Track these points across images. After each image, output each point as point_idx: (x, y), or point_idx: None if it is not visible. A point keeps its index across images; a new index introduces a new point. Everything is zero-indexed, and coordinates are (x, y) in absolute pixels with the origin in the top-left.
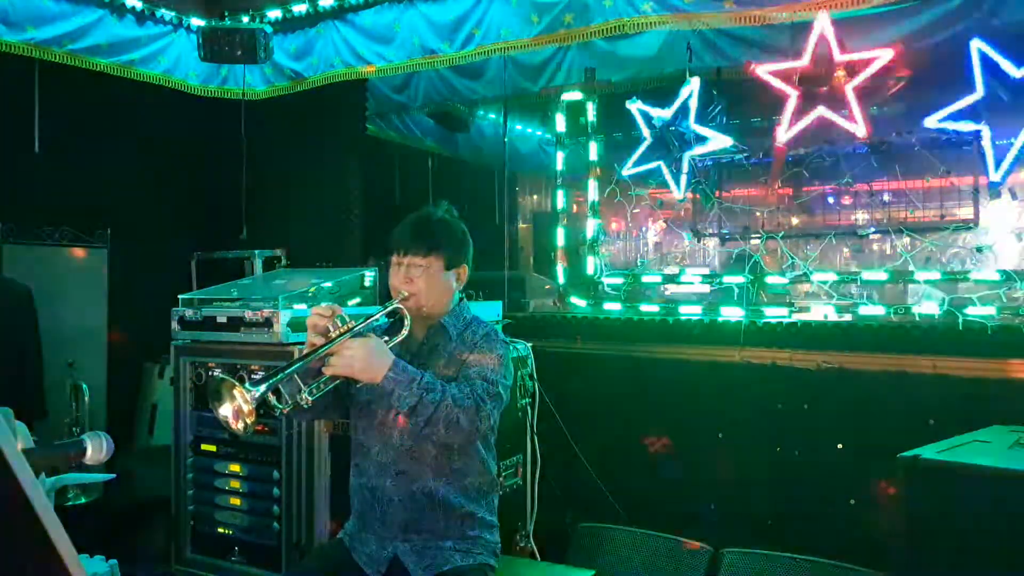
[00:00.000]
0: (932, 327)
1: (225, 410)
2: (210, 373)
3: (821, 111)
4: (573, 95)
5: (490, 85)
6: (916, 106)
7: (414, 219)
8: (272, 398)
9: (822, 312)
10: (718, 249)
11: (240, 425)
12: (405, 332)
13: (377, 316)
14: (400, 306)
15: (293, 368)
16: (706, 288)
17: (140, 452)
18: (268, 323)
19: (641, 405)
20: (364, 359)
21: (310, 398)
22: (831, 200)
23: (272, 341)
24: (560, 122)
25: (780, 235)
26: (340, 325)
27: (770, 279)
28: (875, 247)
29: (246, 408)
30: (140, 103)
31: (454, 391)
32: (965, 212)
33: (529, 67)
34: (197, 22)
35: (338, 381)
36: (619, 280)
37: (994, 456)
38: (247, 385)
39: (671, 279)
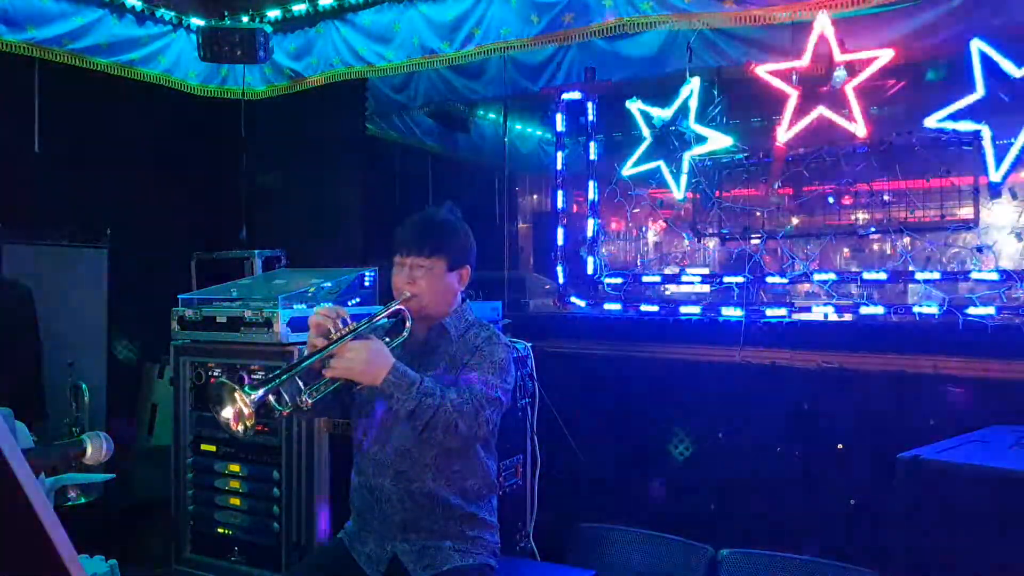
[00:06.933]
0: (932, 327)
1: (226, 413)
2: (210, 373)
3: (821, 111)
4: (573, 95)
5: (490, 85)
6: (916, 106)
7: (418, 220)
8: (272, 400)
9: (822, 312)
10: (718, 249)
11: (241, 427)
12: (406, 334)
13: (379, 317)
14: (402, 307)
15: (294, 371)
16: (706, 288)
17: (140, 452)
18: (268, 323)
19: (641, 405)
20: (364, 362)
21: (310, 400)
22: (831, 200)
23: (272, 341)
24: (560, 122)
25: (780, 235)
26: (342, 327)
27: (770, 279)
28: (875, 247)
29: (246, 411)
30: (140, 103)
31: (453, 396)
32: (965, 212)
33: (529, 67)
34: (197, 22)
35: (338, 383)
36: (619, 280)
37: (994, 456)
38: (247, 388)
39: (671, 279)
